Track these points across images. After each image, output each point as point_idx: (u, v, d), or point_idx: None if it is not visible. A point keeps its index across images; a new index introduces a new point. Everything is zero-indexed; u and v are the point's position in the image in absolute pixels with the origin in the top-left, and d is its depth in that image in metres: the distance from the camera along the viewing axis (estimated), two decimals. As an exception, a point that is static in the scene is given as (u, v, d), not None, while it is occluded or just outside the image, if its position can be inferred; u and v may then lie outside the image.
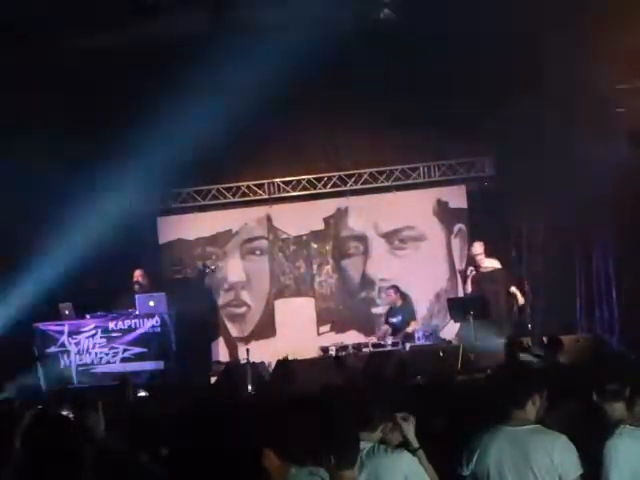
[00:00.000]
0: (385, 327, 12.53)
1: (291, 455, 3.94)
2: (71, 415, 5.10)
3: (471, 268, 12.05)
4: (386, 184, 13.41)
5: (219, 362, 13.10)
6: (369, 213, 13.54)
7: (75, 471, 2.86)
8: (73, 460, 2.91)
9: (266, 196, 13.69)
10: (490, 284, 11.81)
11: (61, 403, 5.97)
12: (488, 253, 12.07)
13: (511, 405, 4.46)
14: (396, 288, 12.61)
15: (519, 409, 4.42)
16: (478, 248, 12.06)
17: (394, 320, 12.43)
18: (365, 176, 13.44)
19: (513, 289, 11.90)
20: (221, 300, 13.78)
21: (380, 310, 13.14)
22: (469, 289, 12.08)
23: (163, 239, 14.04)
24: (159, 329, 11.97)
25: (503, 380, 4.65)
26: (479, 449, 4.46)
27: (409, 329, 12.24)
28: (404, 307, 12.52)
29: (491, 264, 11.97)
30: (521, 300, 11.86)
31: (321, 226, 13.71)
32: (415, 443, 4.46)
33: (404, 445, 4.47)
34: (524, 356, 8.24)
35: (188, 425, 4.43)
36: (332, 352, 11.72)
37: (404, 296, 12.63)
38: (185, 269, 13.89)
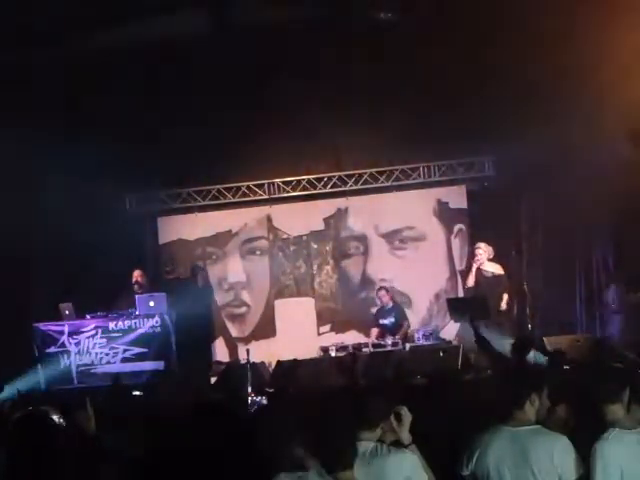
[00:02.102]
0: (374, 330, 12.45)
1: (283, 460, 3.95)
2: (59, 416, 5.07)
3: (471, 279, 11.87)
4: (386, 184, 13.40)
5: (219, 362, 13.09)
6: (369, 213, 13.54)
7: (58, 471, 2.86)
8: (56, 460, 2.91)
9: (266, 196, 13.68)
10: (488, 288, 11.74)
11: (56, 404, 5.97)
12: (491, 257, 12.00)
13: (510, 405, 4.47)
14: (387, 289, 12.57)
15: (518, 409, 4.43)
16: (481, 247, 11.94)
17: (386, 322, 12.38)
18: (365, 176, 13.43)
19: (505, 296, 11.82)
20: (221, 300, 13.78)
21: (380, 311, 13.11)
22: (471, 282, 11.92)
23: (163, 239, 14.04)
24: (159, 329, 11.95)
25: (501, 380, 4.65)
26: (479, 449, 4.46)
27: (405, 329, 12.22)
28: (395, 308, 12.47)
29: (492, 268, 11.91)
30: (503, 306, 11.78)
31: (321, 226, 13.70)
32: (406, 440, 4.45)
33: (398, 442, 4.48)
34: (531, 356, 8.20)
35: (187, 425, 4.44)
36: (332, 352, 11.72)
37: (394, 297, 12.61)
38: (177, 269, 13.88)
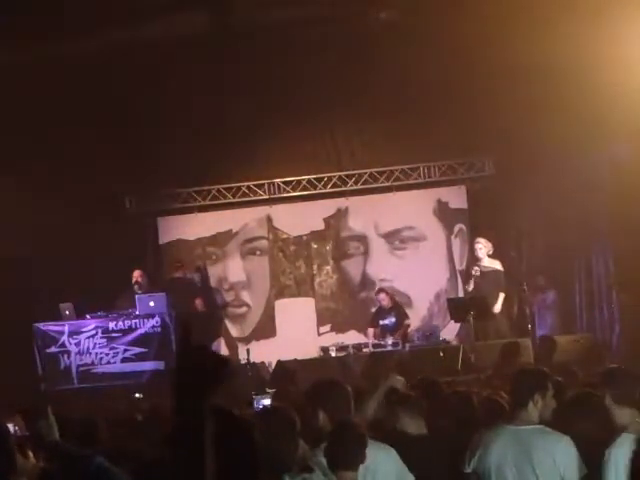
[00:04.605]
0: (372, 330, 12.44)
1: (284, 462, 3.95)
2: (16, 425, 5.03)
3: (476, 268, 11.86)
4: (386, 184, 13.40)
5: (219, 362, 13.05)
6: (369, 213, 13.54)
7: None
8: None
9: (266, 196, 13.68)
10: (487, 284, 11.73)
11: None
12: (490, 253, 11.99)
13: (513, 405, 4.47)
14: (386, 292, 12.54)
15: (521, 409, 4.43)
16: (481, 242, 11.92)
17: (386, 322, 12.35)
18: (365, 176, 13.43)
19: (501, 295, 11.78)
20: (221, 300, 13.79)
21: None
22: (471, 287, 11.91)
23: (163, 239, 14.04)
24: (159, 329, 11.94)
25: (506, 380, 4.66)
26: (482, 447, 4.47)
27: (405, 328, 12.20)
28: (395, 308, 12.45)
29: (492, 264, 11.90)
30: (498, 308, 11.72)
31: (321, 226, 13.70)
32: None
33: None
34: None
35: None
36: (332, 352, 11.72)
37: (393, 298, 12.60)
38: (181, 269, 13.86)
